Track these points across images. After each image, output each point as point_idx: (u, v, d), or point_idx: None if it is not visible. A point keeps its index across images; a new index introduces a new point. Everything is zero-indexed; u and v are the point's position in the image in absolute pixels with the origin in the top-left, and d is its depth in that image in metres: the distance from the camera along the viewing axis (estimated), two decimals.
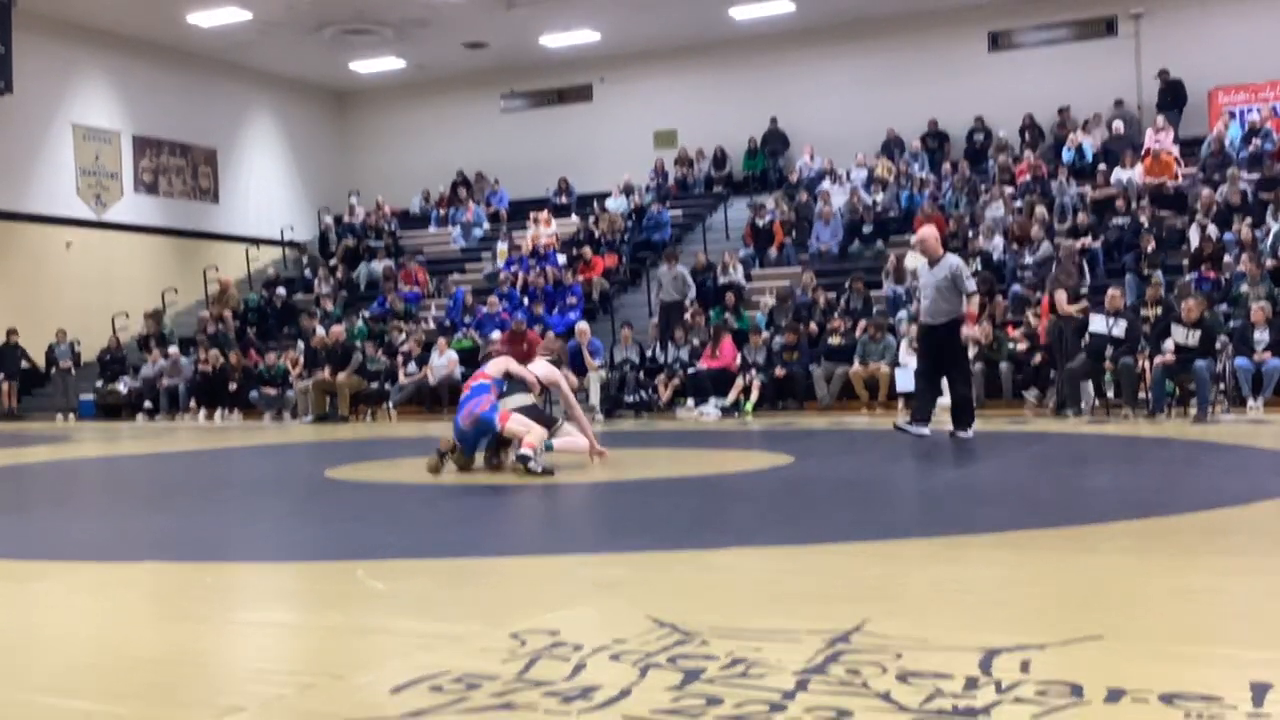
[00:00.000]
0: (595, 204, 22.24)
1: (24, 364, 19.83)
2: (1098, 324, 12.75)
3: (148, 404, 18.76)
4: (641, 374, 16.20)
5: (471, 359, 17.36)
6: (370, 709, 2.48)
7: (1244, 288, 14.34)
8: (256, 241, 24.66)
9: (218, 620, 3.54)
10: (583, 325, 16.56)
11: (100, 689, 2.78)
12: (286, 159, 26.17)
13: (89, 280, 21.49)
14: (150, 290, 22.09)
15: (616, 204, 22.09)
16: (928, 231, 10.20)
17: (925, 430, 9.71)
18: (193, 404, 18.42)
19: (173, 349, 19.25)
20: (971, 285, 9.77)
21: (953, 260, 9.91)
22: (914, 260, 16.85)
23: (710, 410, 15.13)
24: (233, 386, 18.17)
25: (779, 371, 15.33)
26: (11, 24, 19.26)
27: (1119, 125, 19.65)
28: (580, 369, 15.65)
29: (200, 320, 20.56)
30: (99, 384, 19.54)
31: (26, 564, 4.68)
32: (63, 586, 4.22)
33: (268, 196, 25.50)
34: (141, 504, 7.30)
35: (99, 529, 6.05)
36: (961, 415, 9.85)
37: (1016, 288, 15.74)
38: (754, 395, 15.23)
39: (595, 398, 15.41)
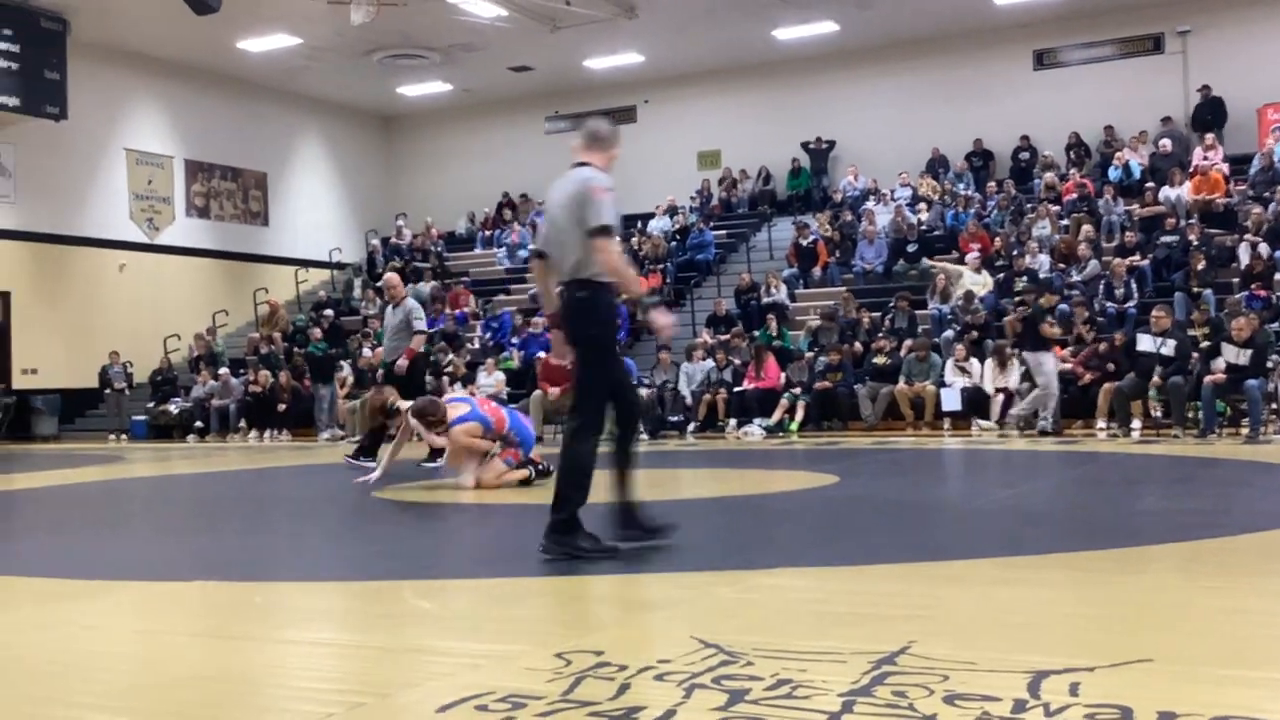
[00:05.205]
0: (639, 224, 22.30)
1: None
2: (1145, 343, 12.60)
3: (198, 424, 18.99)
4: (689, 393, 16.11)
5: (518, 380, 17.44)
6: None
7: None
8: (305, 264, 24.96)
9: (266, 639, 3.58)
10: None
11: (148, 708, 2.82)
12: (335, 182, 26.48)
13: (141, 302, 21.83)
14: (201, 312, 22.39)
15: (660, 224, 22.14)
16: (391, 277, 11.37)
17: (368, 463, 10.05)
18: (243, 424, 18.63)
19: (223, 370, 19.48)
20: (420, 325, 10.45)
21: (409, 303, 10.65)
22: (963, 275, 16.83)
23: (754, 430, 15.10)
24: (282, 407, 18.35)
25: (820, 384, 15.19)
26: (67, 52, 19.64)
27: (1166, 143, 19.42)
28: None
29: (250, 341, 20.80)
30: (151, 405, 19.78)
31: (76, 583, 4.75)
32: (112, 606, 4.28)
33: (316, 219, 25.80)
34: (191, 524, 7.39)
35: (149, 548, 6.12)
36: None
37: (1064, 306, 15.58)
38: (799, 415, 15.17)
39: None
